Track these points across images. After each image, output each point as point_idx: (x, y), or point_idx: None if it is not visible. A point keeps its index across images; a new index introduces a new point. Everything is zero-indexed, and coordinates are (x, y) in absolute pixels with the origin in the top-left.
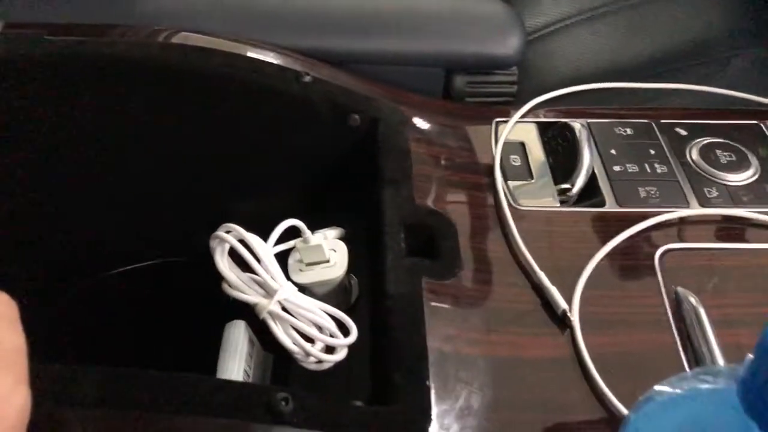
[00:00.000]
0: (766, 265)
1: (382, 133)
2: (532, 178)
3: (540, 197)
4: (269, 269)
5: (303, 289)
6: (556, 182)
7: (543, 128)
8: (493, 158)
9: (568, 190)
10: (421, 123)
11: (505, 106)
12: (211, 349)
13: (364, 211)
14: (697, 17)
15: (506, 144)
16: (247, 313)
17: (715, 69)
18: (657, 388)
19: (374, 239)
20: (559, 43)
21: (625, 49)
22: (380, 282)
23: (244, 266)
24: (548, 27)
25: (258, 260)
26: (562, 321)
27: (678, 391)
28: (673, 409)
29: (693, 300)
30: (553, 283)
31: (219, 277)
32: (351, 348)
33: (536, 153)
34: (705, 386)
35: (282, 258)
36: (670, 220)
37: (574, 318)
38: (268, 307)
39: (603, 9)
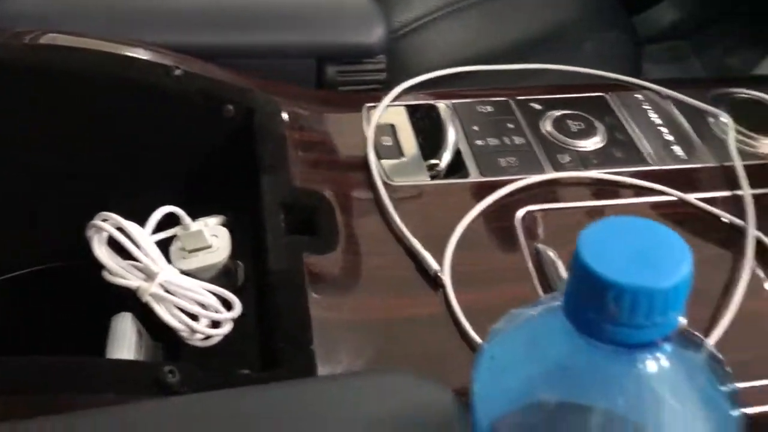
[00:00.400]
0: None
1: (258, 123)
2: (403, 156)
3: (411, 173)
4: (149, 253)
5: (188, 275)
6: (426, 159)
7: (412, 111)
8: (365, 140)
9: (437, 165)
10: (295, 112)
11: (376, 93)
12: (104, 345)
13: (245, 199)
14: (551, 6)
15: (378, 126)
16: (137, 307)
17: (571, 52)
18: (505, 317)
19: (255, 221)
20: (428, 36)
21: (489, 38)
22: (263, 260)
23: (124, 255)
24: (418, 21)
25: (137, 246)
26: (435, 282)
27: (527, 313)
28: (519, 331)
29: (552, 254)
30: (426, 249)
31: (100, 267)
32: (239, 327)
33: (406, 133)
34: (547, 306)
35: (165, 248)
36: (528, 185)
37: (446, 278)
38: (150, 289)
39: (467, 2)
